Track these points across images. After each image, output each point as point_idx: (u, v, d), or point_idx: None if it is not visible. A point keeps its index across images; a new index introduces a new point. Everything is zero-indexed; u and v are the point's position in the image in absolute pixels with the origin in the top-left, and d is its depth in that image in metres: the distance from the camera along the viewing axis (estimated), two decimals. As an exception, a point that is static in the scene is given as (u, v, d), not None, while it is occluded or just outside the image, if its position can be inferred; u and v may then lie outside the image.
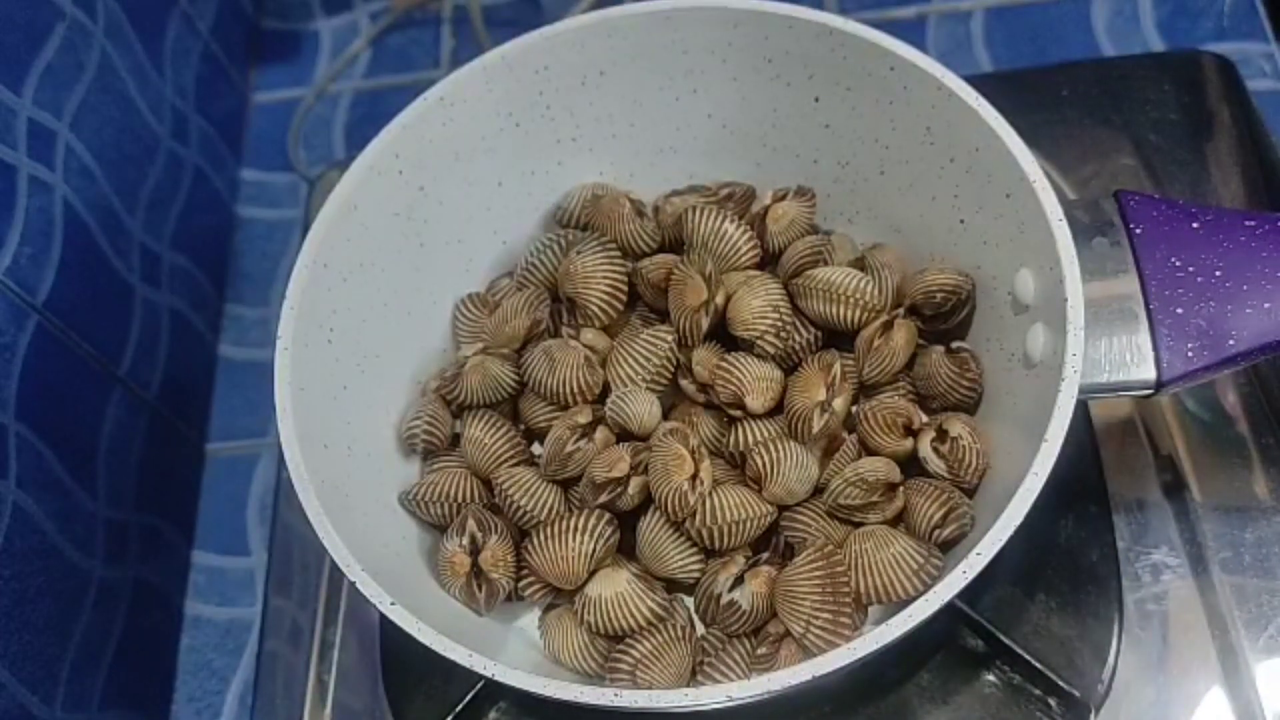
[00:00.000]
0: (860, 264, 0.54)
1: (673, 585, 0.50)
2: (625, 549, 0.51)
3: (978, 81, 0.49)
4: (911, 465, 0.50)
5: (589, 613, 0.48)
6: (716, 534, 0.48)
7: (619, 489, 0.49)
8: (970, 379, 0.51)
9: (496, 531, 0.50)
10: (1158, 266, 0.46)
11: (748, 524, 0.48)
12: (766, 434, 0.51)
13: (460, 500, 0.51)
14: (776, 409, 0.52)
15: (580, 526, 0.49)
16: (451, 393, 0.54)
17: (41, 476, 0.53)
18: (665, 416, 0.53)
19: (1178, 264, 0.46)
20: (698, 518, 0.48)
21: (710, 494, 0.48)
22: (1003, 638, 0.49)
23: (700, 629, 0.49)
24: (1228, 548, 0.53)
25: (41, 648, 0.52)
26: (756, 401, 0.51)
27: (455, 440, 0.54)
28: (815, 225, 0.57)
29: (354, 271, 0.52)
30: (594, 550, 0.48)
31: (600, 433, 0.51)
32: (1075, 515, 0.53)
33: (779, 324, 0.51)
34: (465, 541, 0.49)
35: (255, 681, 0.58)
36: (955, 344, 0.52)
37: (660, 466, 0.48)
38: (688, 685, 0.47)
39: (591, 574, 0.49)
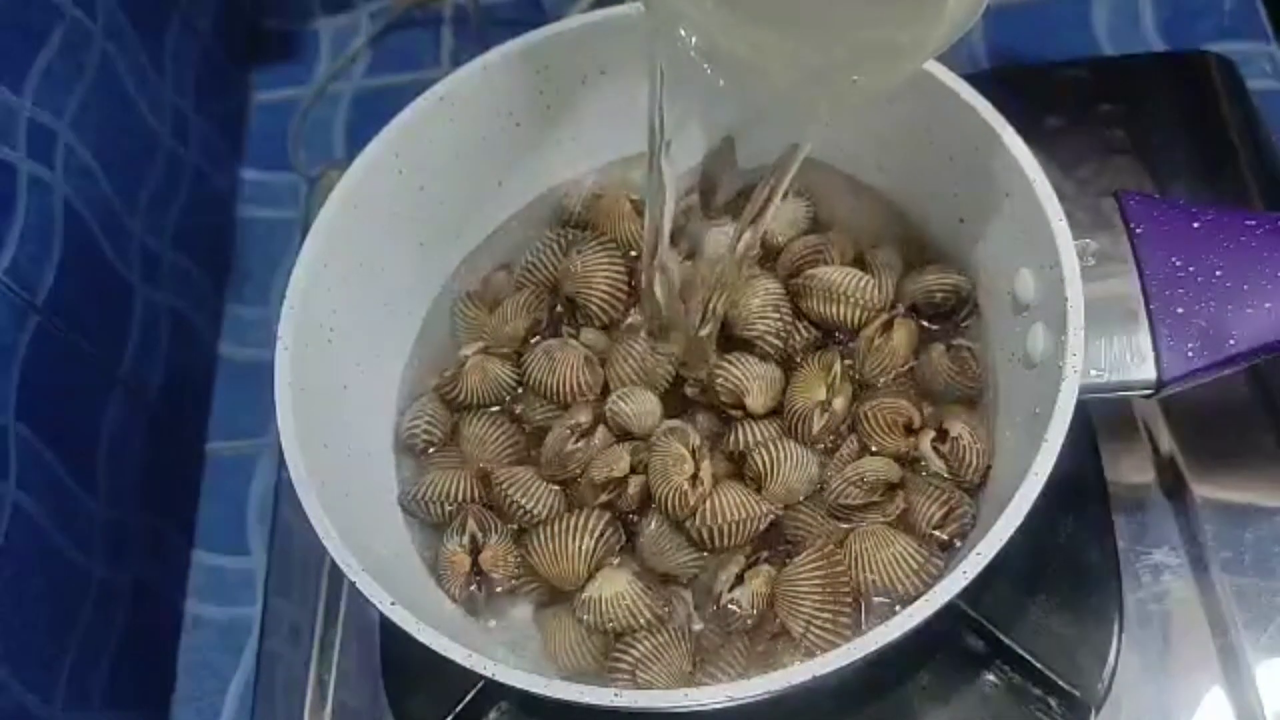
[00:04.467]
0: (860, 262, 0.54)
1: (672, 582, 0.50)
2: (625, 546, 0.51)
3: (978, 81, 0.49)
4: (912, 463, 0.50)
5: (588, 612, 0.48)
6: (716, 534, 0.48)
7: (619, 489, 0.49)
8: (971, 376, 0.51)
9: (497, 531, 0.50)
10: (1158, 266, 0.46)
11: (747, 523, 0.48)
12: (766, 434, 0.50)
13: (460, 499, 0.51)
14: (776, 408, 0.52)
15: (580, 526, 0.49)
16: (451, 392, 0.54)
17: (41, 476, 0.53)
18: (665, 416, 0.53)
19: (1178, 264, 0.46)
20: (698, 518, 0.48)
21: (710, 494, 0.48)
22: (1003, 638, 0.49)
23: (699, 627, 0.49)
24: (1228, 548, 0.53)
25: (41, 648, 0.52)
26: (756, 401, 0.51)
27: (455, 439, 0.54)
28: (815, 224, 0.57)
29: (354, 271, 0.52)
30: (594, 550, 0.48)
31: (600, 433, 0.51)
32: (1075, 515, 0.53)
33: (779, 324, 0.51)
34: (465, 541, 0.49)
35: (255, 681, 0.58)
36: (956, 341, 0.52)
37: (660, 466, 0.48)
38: (687, 685, 0.47)
39: (591, 574, 0.49)
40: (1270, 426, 0.55)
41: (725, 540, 0.48)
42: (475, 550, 0.49)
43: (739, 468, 0.51)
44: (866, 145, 0.55)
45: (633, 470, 0.49)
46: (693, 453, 0.48)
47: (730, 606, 0.47)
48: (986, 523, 0.42)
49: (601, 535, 0.49)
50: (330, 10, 0.82)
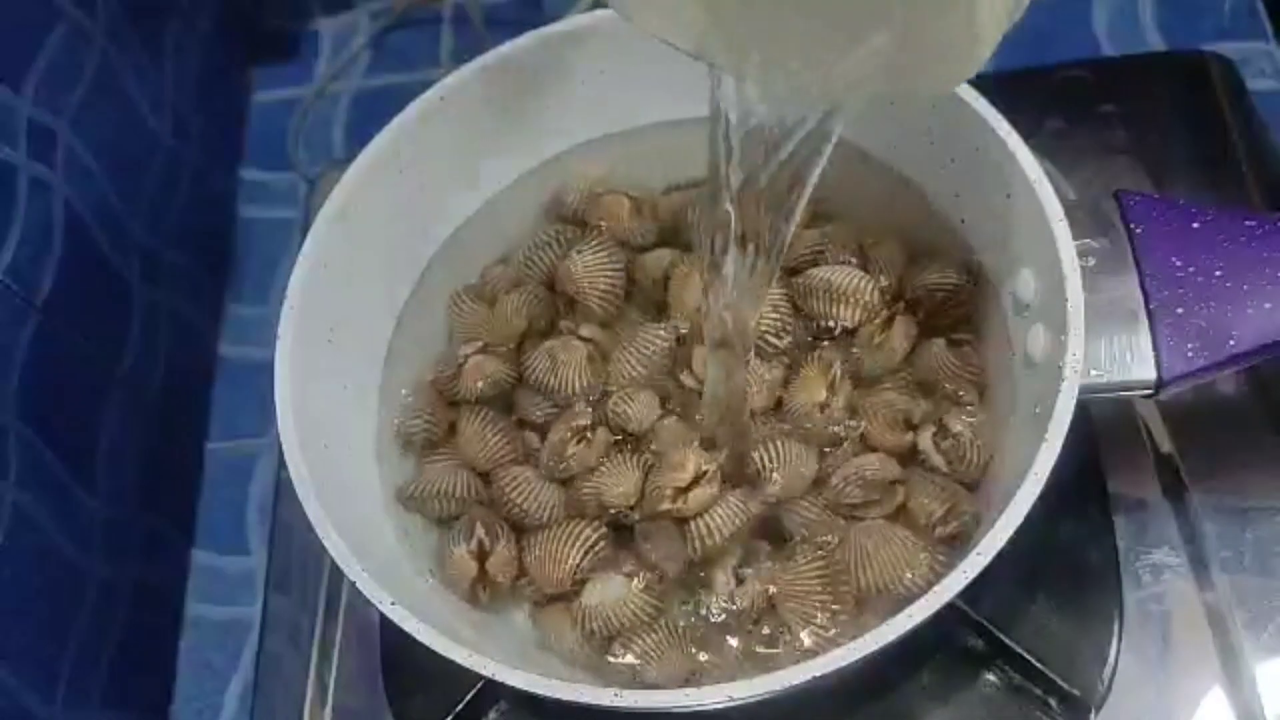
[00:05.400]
0: (860, 257, 0.54)
1: (671, 579, 0.50)
2: (622, 544, 0.51)
3: (978, 81, 0.49)
4: (912, 460, 0.50)
5: (589, 620, 0.48)
6: (713, 550, 0.48)
7: (625, 512, 0.50)
8: (972, 370, 0.51)
9: (503, 536, 0.50)
10: (1158, 266, 0.46)
11: (741, 530, 0.48)
12: (766, 432, 0.51)
13: (459, 496, 0.51)
14: (776, 406, 0.52)
15: (574, 535, 0.49)
16: (450, 390, 0.54)
17: (41, 476, 0.53)
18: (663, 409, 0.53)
19: (1178, 264, 0.46)
20: (694, 531, 0.48)
21: (698, 519, 0.48)
22: (1003, 638, 0.49)
23: (699, 625, 0.49)
24: (1228, 548, 0.53)
25: (41, 648, 0.52)
26: (756, 400, 0.51)
27: (454, 436, 0.54)
28: (815, 221, 0.57)
29: (354, 271, 0.52)
30: (582, 560, 0.49)
31: (600, 433, 0.51)
32: (1075, 515, 0.53)
33: (779, 323, 0.51)
34: (473, 547, 0.49)
35: (255, 681, 0.58)
36: (957, 335, 0.52)
37: (659, 462, 0.49)
38: (687, 682, 0.47)
39: (582, 582, 0.49)
40: (1270, 426, 0.55)
41: (722, 553, 0.48)
42: (482, 555, 0.49)
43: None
44: (867, 146, 0.55)
45: (642, 496, 0.49)
46: (698, 473, 0.48)
47: (730, 604, 0.48)
48: (986, 523, 0.42)
49: (593, 547, 0.49)
50: (330, 10, 0.82)
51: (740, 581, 0.48)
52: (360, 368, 0.52)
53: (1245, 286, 0.45)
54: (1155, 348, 0.45)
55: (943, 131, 0.51)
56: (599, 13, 0.53)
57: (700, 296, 0.50)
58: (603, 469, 0.50)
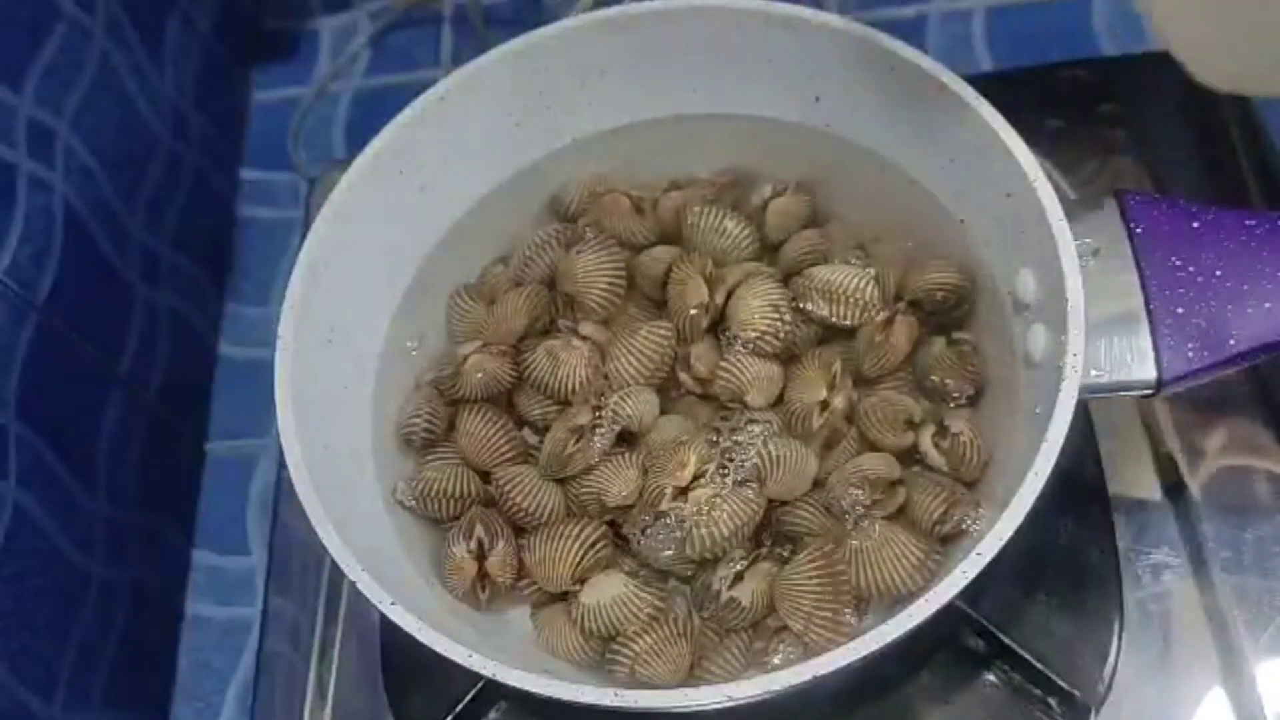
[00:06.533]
0: (860, 257, 0.54)
1: (671, 578, 0.50)
2: (620, 546, 0.51)
3: (978, 81, 0.49)
4: (912, 460, 0.50)
5: (589, 619, 0.48)
6: (713, 549, 0.48)
7: (625, 512, 0.50)
8: (972, 370, 0.51)
9: (502, 536, 0.50)
10: (1158, 266, 0.46)
11: (741, 530, 0.48)
12: (766, 431, 0.51)
13: (459, 496, 0.51)
14: (776, 405, 0.52)
15: (574, 534, 0.49)
16: (450, 389, 0.54)
17: (41, 476, 0.53)
18: (662, 408, 0.53)
19: (1178, 264, 0.46)
20: (695, 540, 0.48)
21: (698, 519, 0.48)
22: (1003, 638, 0.49)
23: (699, 624, 0.49)
24: (1228, 548, 0.53)
25: (41, 648, 0.52)
26: (757, 401, 0.51)
27: (452, 435, 0.54)
28: (815, 219, 0.57)
29: (354, 271, 0.52)
30: (582, 559, 0.49)
31: (600, 433, 0.51)
32: (1075, 515, 0.53)
33: (779, 323, 0.51)
34: (473, 546, 0.49)
35: (255, 681, 0.58)
36: (956, 334, 0.52)
37: (659, 461, 0.49)
38: (687, 681, 0.47)
39: (582, 581, 0.49)
40: (1270, 426, 0.55)
41: (722, 553, 0.48)
42: (482, 555, 0.49)
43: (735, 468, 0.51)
44: (867, 146, 0.55)
45: (642, 495, 0.50)
46: (697, 474, 0.48)
47: (730, 603, 0.48)
48: (987, 523, 0.42)
49: (593, 546, 0.49)
50: (330, 10, 0.82)
51: (740, 581, 0.48)
52: (360, 368, 0.52)
53: (1245, 286, 0.45)
54: (1155, 348, 0.45)
55: (943, 131, 0.51)
56: (598, 13, 0.54)
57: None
58: (603, 469, 0.50)
